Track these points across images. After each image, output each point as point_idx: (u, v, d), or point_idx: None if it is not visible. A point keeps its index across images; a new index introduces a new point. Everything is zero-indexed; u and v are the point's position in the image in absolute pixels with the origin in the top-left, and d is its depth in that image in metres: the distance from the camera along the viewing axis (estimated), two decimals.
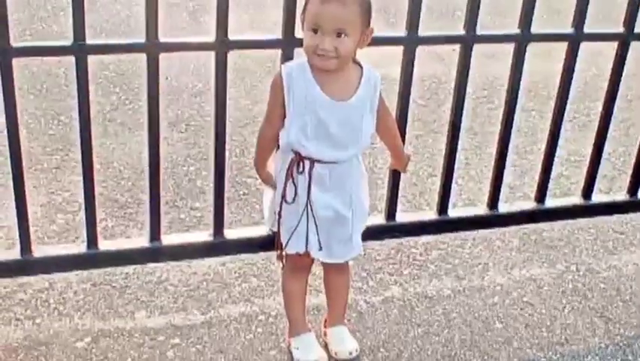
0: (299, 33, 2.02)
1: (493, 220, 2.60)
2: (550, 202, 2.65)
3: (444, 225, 2.54)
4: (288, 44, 2.12)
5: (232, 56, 2.11)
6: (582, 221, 2.89)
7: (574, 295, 2.61)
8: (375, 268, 2.66)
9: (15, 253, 2.16)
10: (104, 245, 2.24)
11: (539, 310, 2.52)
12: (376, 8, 1.96)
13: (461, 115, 2.38)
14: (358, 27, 1.89)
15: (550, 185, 2.63)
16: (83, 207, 2.16)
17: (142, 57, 2.03)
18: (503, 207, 2.59)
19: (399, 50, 2.25)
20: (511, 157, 2.57)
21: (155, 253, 2.27)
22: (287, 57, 2.12)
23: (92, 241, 2.19)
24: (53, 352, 2.19)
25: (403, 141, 2.28)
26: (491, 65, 3.71)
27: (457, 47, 2.34)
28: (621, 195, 2.79)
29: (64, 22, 4.54)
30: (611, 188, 3.28)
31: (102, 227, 2.64)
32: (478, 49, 2.31)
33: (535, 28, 2.33)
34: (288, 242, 2.07)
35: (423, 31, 2.24)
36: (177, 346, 2.25)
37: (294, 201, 2.02)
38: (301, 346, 2.20)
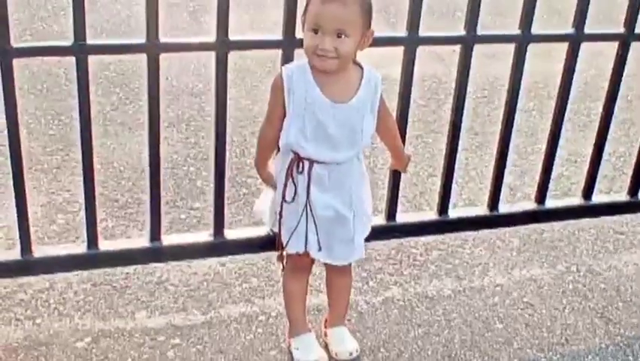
0: (299, 33, 2.02)
1: (493, 220, 2.60)
2: (551, 202, 2.65)
3: (444, 225, 2.54)
4: (288, 45, 2.12)
5: (232, 56, 2.11)
6: (582, 221, 2.89)
7: (574, 296, 2.61)
8: (376, 269, 2.66)
9: (15, 253, 2.16)
10: (105, 245, 2.24)
11: (540, 310, 2.52)
12: (377, 8, 1.96)
13: (461, 115, 2.38)
14: (359, 28, 1.89)
15: (551, 185, 2.63)
16: (84, 207, 2.16)
17: (142, 57, 2.04)
18: (504, 208, 2.59)
19: (399, 50, 2.25)
20: (511, 157, 2.57)
21: (156, 253, 2.27)
22: (287, 57, 2.12)
23: (92, 241, 2.19)
24: (53, 352, 2.19)
25: (404, 141, 2.28)
26: (492, 65, 3.72)
27: (457, 47, 2.34)
28: (622, 196, 2.79)
29: (65, 22, 4.53)
30: (612, 188, 3.28)
31: (102, 227, 2.64)
32: (478, 49, 2.31)
33: (535, 29, 2.33)
34: (288, 242, 2.07)
35: (423, 32, 2.24)
36: (177, 346, 2.25)
37: (294, 201, 2.02)
38: (301, 346, 2.20)
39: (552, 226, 2.92)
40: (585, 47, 2.41)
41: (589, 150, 2.66)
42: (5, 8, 1.87)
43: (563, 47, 2.42)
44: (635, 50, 2.48)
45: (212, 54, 2.10)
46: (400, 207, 2.46)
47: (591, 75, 4.15)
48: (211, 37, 2.08)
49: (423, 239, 2.77)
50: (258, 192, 2.96)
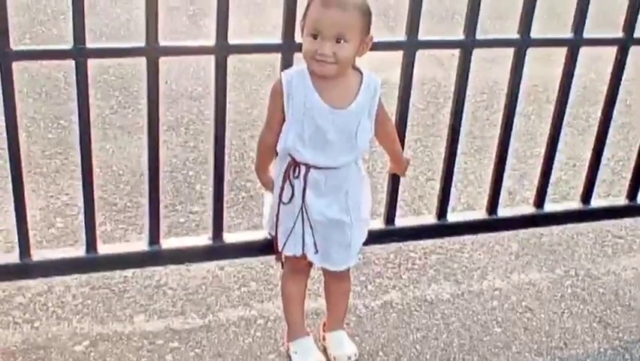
0: (299, 38, 2.02)
1: (492, 225, 2.60)
2: (550, 207, 2.66)
3: (443, 229, 2.54)
4: (287, 49, 2.12)
5: (232, 60, 2.11)
6: (581, 225, 2.89)
7: (573, 300, 2.61)
8: (375, 273, 2.66)
9: (14, 257, 2.16)
10: (103, 249, 2.24)
11: (538, 314, 2.52)
12: (376, 12, 1.96)
13: (461, 119, 2.39)
14: (358, 33, 1.89)
15: (550, 189, 2.63)
16: (82, 210, 2.16)
17: (142, 61, 2.04)
18: (502, 212, 2.59)
19: (399, 54, 2.25)
20: (510, 161, 2.57)
21: (154, 257, 2.27)
22: (286, 61, 2.12)
23: (90, 244, 2.19)
24: (52, 356, 2.18)
25: (403, 144, 2.28)
26: (491, 69, 3.72)
27: (456, 51, 2.34)
28: (620, 200, 2.79)
29: (64, 25, 4.54)
30: (610, 192, 3.28)
31: (101, 231, 2.63)
32: (477, 53, 2.31)
33: (534, 33, 2.34)
34: (285, 244, 2.07)
35: (423, 36, 2.24)
36: (176, 350, 2.25)
37: (291, 202, 2.02)
38: (300, 350, 2.20)
39: (551, 230, 2.93)
40: (584, 51, 2.42)
41: (588, 154, 2.66)
42: (5, 11, 1.87)
43: (562, 52, 2.42)
44: (633, 55, 2.48)
45: (212, 58, 2.10)
46: (398, 211, 2.46)
47: (590, 79, 4.16)
48: (210, 41, 2.08)
49: (422, 243, 2.77)
50: (257, 196, 2.97)
